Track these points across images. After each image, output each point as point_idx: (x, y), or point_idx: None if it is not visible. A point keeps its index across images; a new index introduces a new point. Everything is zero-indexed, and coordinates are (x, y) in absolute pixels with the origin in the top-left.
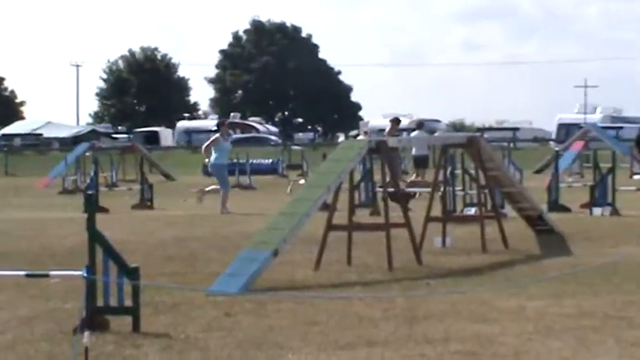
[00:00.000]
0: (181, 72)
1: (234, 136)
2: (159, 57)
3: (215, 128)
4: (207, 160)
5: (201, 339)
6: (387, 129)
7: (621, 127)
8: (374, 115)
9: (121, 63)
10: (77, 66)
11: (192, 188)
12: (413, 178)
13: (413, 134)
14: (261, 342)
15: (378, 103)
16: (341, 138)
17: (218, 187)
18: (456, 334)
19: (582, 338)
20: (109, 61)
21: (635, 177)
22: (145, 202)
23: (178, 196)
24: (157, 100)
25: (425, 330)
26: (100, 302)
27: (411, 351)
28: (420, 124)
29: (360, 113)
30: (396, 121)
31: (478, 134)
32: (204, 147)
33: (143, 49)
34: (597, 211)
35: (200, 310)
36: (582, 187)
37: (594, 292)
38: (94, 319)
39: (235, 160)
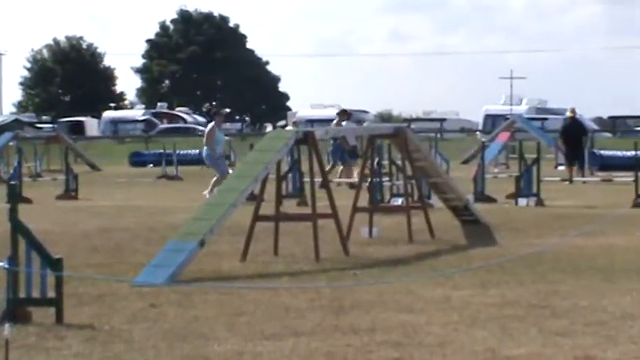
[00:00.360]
0: (107, 61)
1: (161, 126)
2: (84, 46)
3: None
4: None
5: (126, 330)
6: (335, 121)
7: (546, 119)
8: (302, 106)
9: (45, 52)
10: (0, 55)
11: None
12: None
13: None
14: (186, 333)
15: (306, 94)
16: (269, 128)
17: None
18: (382, 324)
19: (506, 327)
20: (33, 50)
21: (560, 168)
22: (70, 192)
23: (104, 187)
24: (83, 89)
25: (351, 320)
26: (22, 294)
27: (337, 341)
28: (348, 115)
29: (288, 103)
30: (344, 112)
31: (405, 125)
32: (206, 139)
33: (68, 38)
34: (522, 201)
35: (125, 302)
36: (508, 178)
37: (519, 282)
38: (16, 311)
39: (162, 151)
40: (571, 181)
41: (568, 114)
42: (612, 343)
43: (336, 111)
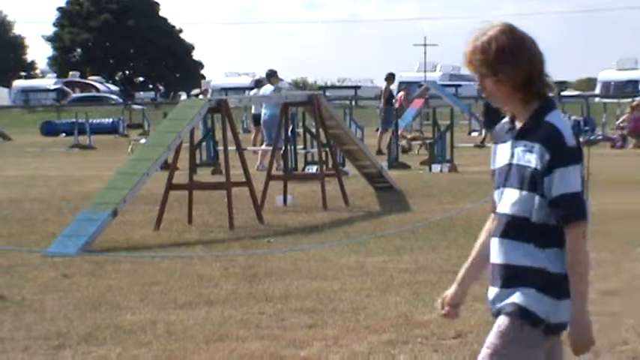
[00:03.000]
0: (17, 30)
1: (73, 95)
2: None
3: (55, 87)
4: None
5: (38, 300)
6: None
7: (460, 85)
8: (216, 74)
9: None
10: None
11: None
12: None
13: (252, 92)
14: (99, 303)
15: (220, 62)
16: (183, 97)
17: (262, 147)
18: (295, 291)
19: (419, 292)
20: None
21: (474, 134)
22: None
23: (15, 157)
24: None
25: (265, 288)
26: None
27: (250, 309)
28: (259, 82)
29: (203, 72)
30: (391, 77)
31: (319, 92)
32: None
33: None
34: (436, 167)
35: (37, 272)
36: (422, 145)
37: (432, 247)
38: None
39: (74, 120)
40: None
41: None
42: None
43: (251, 79)
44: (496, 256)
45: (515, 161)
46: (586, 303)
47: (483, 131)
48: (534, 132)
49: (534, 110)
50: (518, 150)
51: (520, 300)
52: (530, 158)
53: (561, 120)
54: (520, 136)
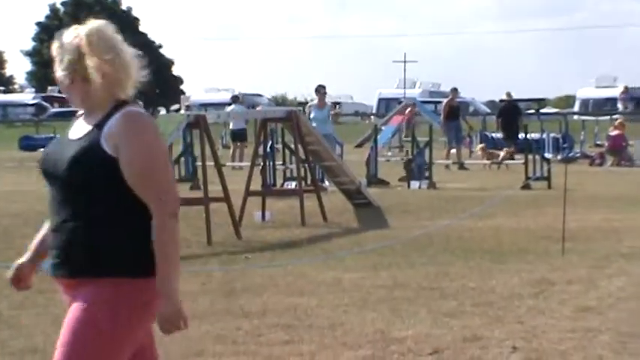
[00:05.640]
0: None
1: (52, 110)
2: None
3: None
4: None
5: (14, 316)
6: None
7: (440, 102)
8: (196, 90)
9: None
10: None
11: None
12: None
13: (229, 108)
14: None
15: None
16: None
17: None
18: (273, 306)
19: (396, 309)
20: None
21: (452, 151)
22: None
23: None
24: None
25: (242, 303)
26: None
27: (228, 324)
28: (236, 98)
29: (182, 87)
30: (455, 91)
31: (299, 109)
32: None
33: None
34: (415, 184)
35: (13, 288)
36: (401, 161)
37: (409, 264)
38: None
39: (53, 135)
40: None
41: (504, 97)
42: (500, 323)
43: (230, 95)
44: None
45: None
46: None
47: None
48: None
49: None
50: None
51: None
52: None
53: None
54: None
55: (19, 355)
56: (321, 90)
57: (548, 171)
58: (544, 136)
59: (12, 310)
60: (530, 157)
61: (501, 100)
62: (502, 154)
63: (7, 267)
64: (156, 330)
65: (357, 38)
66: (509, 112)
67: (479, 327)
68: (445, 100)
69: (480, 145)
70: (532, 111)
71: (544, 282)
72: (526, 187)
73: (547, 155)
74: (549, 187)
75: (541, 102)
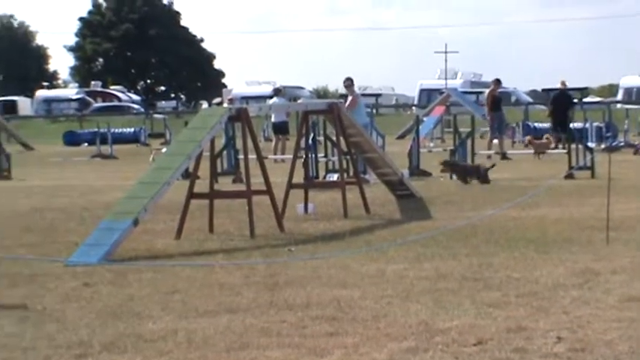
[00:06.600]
0: (40, 40)
1: (95, 104)
2: (16, 25)
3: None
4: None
5: (59, 310)
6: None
7: (481, 92)
8: (237, 83)
9: None
10: None
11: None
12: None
13: (271, 101)
14: (120, 311)
15: (241, 71)
16: (204, 106)
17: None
18: (316, 299)
19: (440, 300)
20: None
21: (494, 141)
22: (2, 172)
23: (37, 167)
24: (15, 68)
25: (286, 296)
26: None
27: (271, 317)
28: (278, 91)
29: (224, 81)
30: (498, 82)
31: (340, 101)
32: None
33: None
34: None
35: (58, 281)
36: (443, 152)
37: (453, 255)
38: None
39: (96, 129)
40: (556, 147)
41: (558, 85)
42: (544, 314)
43: (272, 87)
44: None
45: None
46: None
47: (495, 140)
48: None
49: None
50: None
51: None
52: None
53: None
54: None
55: (65, 349)
56: (345, 83)
57: (592, 160)
58: (587, 125)
59: (57, 304)
60: (573, 146)
61: (554, 89)
62: (544, 140)
63: (53, 261)
64: (200, 326)
65: (398, 30)
66: (561, 101)
67: (523, 318)
68: (487, 91)
69: (529, 137)
70: (575, 100)
71: (588, 272)
72: (569, 176)
73: (590, 144)
74: (593, 176)
75: (584, 91)
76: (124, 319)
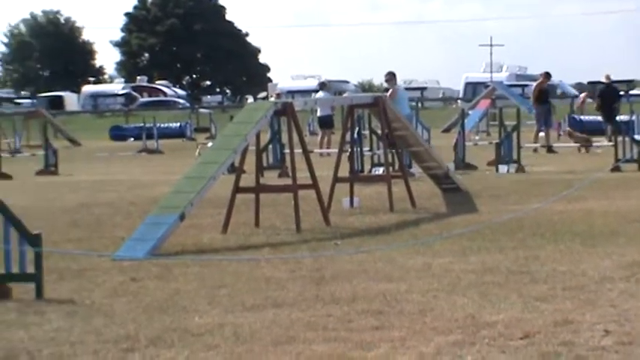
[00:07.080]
0: (86, 35)
1: (141, 99)
2: (62, 20)
3: (123, 92)
4: None
5: (107, 304)
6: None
7: (527, 85)
8: (283, 77)
9: (22, 27)
10: None
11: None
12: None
13: (317, 95)
14: (167, 306)
15: (286, 65)
16: (250, 100)
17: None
18: (362, 293)
19: (486, 294)
20: (9, 25)
21: (541, 134)
22: (50, 167)
23: (84, 162)
24: (61, 64)
25: (332, 290)
26: (1, 270)
27: (318, 311)
28: (323, 85)
29: (269, 75)
30: (547, 75)
31: (385, 94)
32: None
33: (45, 12)
34: (503, 168)
35: (106, 276)
36: (488, 145)
37: (499, 248)
38: None
39: (142, 124)
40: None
41: (603, 79)
42: (591, 307)
43: (317, 81)
44: None
45: None
46: None
47: (541, 133)
48: None
49: None
50: None
51: None
52: None
53: None
54: None
55: (113, 343)
56: (386, 77)
57: (638, 153)
58: (634, 117)
59: (105, 299)
60: (620, 139)
61: (599, 82)
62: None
63: (100, 256)
64: (247, 320)
65: (443, 23)
66: (608, 95)
67: (570, 311)
68: (535, 84)
69: (568, 129)
70: (621, 93)
71: (635, 265)
72: (616, 169)
73: (637, 137)
74: (639, 169)
75: (630, 83)
76: (171, 313)
